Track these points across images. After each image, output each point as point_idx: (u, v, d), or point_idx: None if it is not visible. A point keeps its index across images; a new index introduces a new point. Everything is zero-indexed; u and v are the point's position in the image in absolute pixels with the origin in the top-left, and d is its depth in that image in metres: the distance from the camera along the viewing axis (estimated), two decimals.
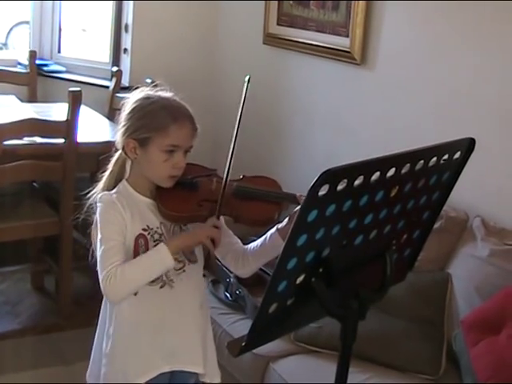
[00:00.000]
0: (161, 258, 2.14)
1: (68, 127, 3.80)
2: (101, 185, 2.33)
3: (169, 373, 2.32)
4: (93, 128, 4.30)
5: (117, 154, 2.33)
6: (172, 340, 2.29)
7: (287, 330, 2.00)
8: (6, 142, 3.68)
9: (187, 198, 2.27)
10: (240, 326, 3.26)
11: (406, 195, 1.75)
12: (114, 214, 2.20)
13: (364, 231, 1.72)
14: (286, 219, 2.25)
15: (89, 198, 2.31)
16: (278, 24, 4.63)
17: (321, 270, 1.67)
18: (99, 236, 2.19)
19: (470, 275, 3.15)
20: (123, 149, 2.26)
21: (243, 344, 1.66)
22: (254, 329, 1.64)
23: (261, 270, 3.52)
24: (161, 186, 2.26)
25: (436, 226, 3.27)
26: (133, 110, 2.24)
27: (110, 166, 2.34)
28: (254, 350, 2.96)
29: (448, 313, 3.13)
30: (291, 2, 4.48)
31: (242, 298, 3.40)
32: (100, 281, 2.14)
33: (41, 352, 3.85)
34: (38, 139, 3.86)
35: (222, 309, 3.43)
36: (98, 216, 2.22)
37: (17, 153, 3.75)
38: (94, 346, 2.41)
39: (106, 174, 2.34)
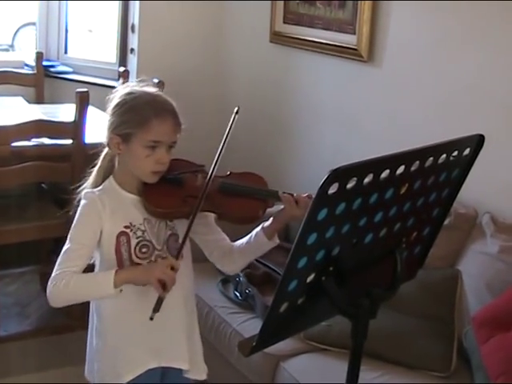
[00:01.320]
0: (103, 285, 2.15)
1: (76, 128, 3.79)
2: (90, 180, 2.34)
3: (160, 370, 2.34)
4: (100, 128, 4.28)
5: (105, 150, 2.34)
6: (157, 337, 2.30)
7: (298, 329, 2.00)
8: (14, 144, 3.69)
9: (172, 194, 2.27)
10: (250, 325, 3.26)
11: (415, 192, 1.75)
12: (91, 215, 2.22)
13: (374, 229, 1.72)
14: (271, 218, 2.26)
15: (79, 193, 2.33)
16: (284, 22, 4.62)
17: (331, 268, 1.67)
18: (70, 232, 2.22)
19: (480, 272, 3.14)
20: (108, 144, 2.27)
21: (254, 344, 1.66)
22: (264, 328, 1.64)
23: (270, 268, 3.55)
24: (145, 181, 2.26)
25: (445, 223, 3.20)
26: (116, 106, 2.25)
27: (99, 161, 2.35)
28: (264, 349, 2.97)
29: (458, 310, 3.11)
30: (297, 0, 4.48)
31: (252, 297, 3.39)
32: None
33: (51, 353, 3.86)
34: (46, 140, 3.85)
35: (231, 308, 3.42)
36: (77, 212, 2.25)
37: (24, 154, 3.75)
38: (88, 342, 2.43)
39: (95, 169, 2.35)
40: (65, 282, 2.13)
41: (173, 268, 2.14)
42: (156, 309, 2.13)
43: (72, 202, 2.37)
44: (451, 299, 3.13)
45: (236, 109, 2.28)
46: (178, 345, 2.34)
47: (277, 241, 2.28)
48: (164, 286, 2.12)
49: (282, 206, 2.23)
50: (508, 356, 2.76)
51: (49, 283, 2.17)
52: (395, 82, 3.89)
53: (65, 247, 2.21)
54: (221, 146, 2.28)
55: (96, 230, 2.22)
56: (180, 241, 2.27)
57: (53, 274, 2.17)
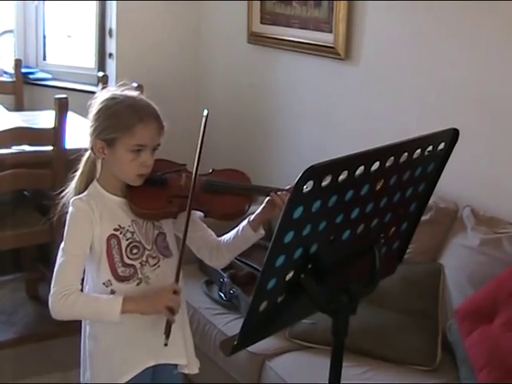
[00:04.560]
0: (110, 312, 2.17)
1: (55, 134, 3.79)
2: (73, 185, 2.35)
3: (151, 367, 2.35)
4: (81, 134, 4.28)
5: (86, 154, 2.35)
6: (153, 335, 2.29)
7: (279, 327, 2.00)
8: None
9: (157, 195, 2.29)
10: (235, 326, 3.25)
11: (391, 188, 1.76)
12: (82, 223, 2.22)
13: (351, 226, 1.73)
14: (258, 211, 2.29)
15: (62, 198, 2.34)
16: (261, 23, 4.63)
17: (310, 266, 1.67)
18: (62, 244, 2.23)
19: (461, 265, 3.16)
20: (91, 149, 2.28)
21: (235, 343, 1.66)
22: (245, 327, 1.65)
23: (254, 268, 3.56)
24: (130, 184, 2.28)
25: (426, 217, 3.29)
26: (99, 111, 2.25)
27: (81, 166, 2.36)
28: (250, 349, 2.97)
29: (441, 303, 3.14)
30: (273, 0, 4.49)
31: (236, 297, 3.40)
32: (50, 292, 2.18)
33: (38, 360, 3.86)
34: (27, 147, 3.85)
35: (216, 309, 3.42)
36: (67, 221, 2.25)
37: (5, 162, 3.75)
38: (81, 349, 2.43)
39: (77, 174, 2.36)
40: (71, 300, 2.15)
41: (175, 292, 2.20)
42: (167, 333, 2.19)
43: (55, 207, 2.37)
44: (434, 293, 3.16)
45: (206, 112, 2.29)
46: (174, 341, 2.33)
47: (262, 232, 2.31)
48: (172, 311, 2.19)
49: (267, 198, 2.26)
50: (491, 347, 2.78)
51: (52, 297, 2.17)
52: (372, 78, 3.91)
53: (60, 259, 2.21)
54: (198, 151, 2.28)
55: (89, 237, 2.23)
56: (167, 239, 2.33)
57: (55, 288, 2.17)
